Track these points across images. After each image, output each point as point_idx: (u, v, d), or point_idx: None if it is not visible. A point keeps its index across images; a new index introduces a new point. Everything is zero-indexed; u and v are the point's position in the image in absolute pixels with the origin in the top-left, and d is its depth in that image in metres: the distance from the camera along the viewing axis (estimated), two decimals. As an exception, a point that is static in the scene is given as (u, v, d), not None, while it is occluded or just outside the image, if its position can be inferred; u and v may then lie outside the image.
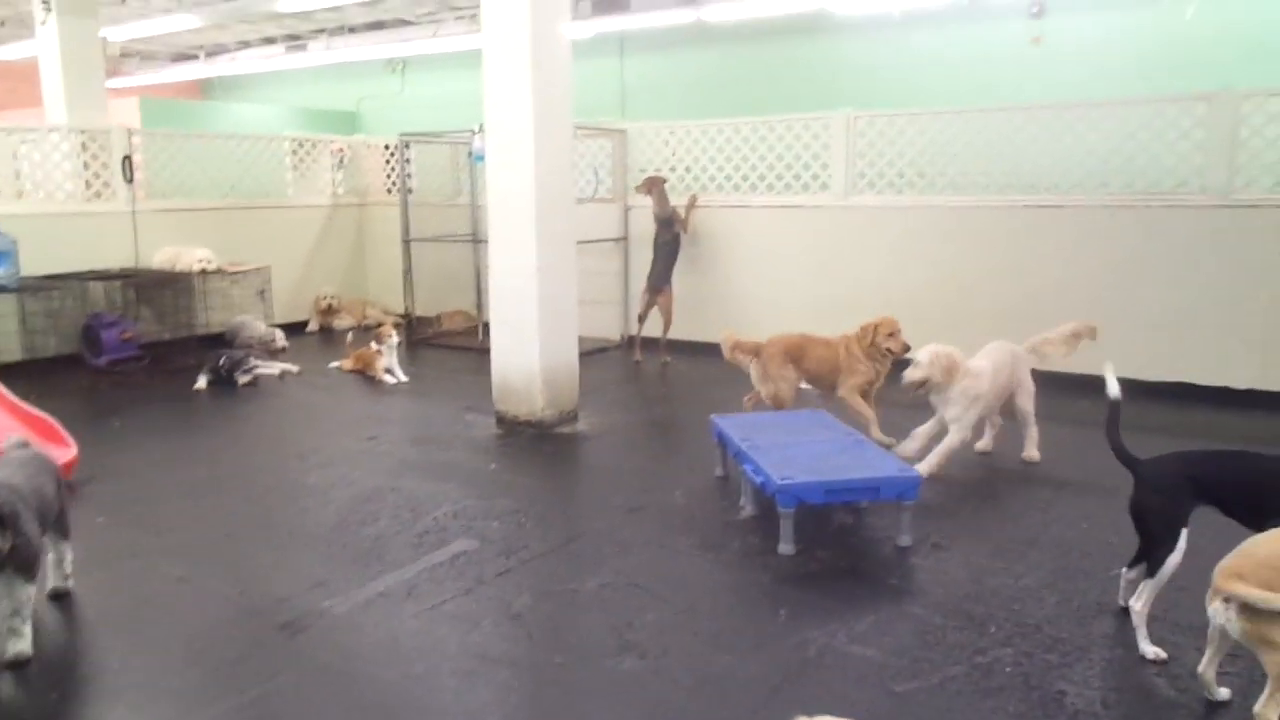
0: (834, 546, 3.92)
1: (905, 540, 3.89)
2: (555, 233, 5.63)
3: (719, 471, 4.82)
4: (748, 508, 4.30)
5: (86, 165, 7.95)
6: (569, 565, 3.80)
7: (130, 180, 8.11)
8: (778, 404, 5.33)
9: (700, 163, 8.15)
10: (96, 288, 7.63)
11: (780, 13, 10.41)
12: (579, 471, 5.19)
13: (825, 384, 5.48)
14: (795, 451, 4.15)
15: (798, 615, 3.31)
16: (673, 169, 8.27)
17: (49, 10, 8.58)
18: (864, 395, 5.33)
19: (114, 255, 8.02)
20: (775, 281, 7.72)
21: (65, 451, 4.75)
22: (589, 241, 7.52)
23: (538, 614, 3.37)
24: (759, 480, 3.97)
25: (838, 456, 4.12)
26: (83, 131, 7.99)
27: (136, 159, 8.19)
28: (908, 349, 5.18)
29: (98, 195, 8.03)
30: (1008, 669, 2.93)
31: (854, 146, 7.39)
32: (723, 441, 4.66)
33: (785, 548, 3.82)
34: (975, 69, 10.16)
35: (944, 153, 7.14)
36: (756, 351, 5.47)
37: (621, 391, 6.99)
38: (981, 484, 4.79)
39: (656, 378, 7.36)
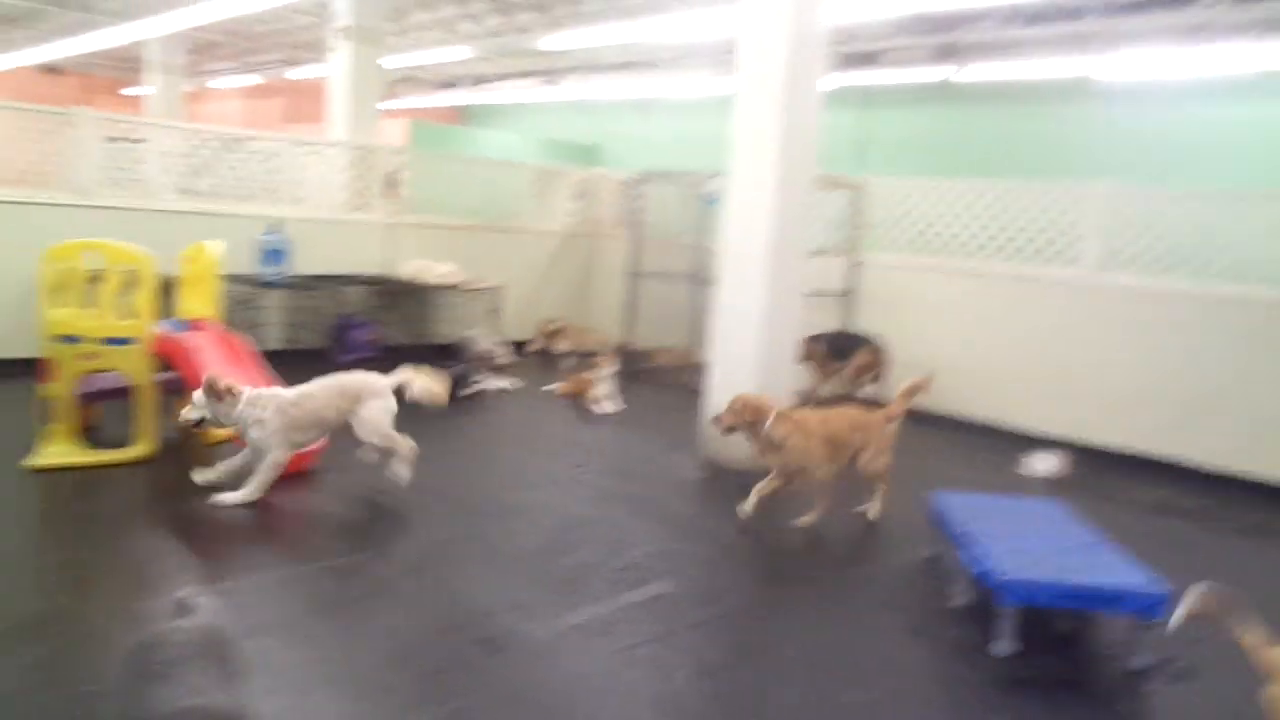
0: (1054, 654, 3.60)
1: (1141, 662, 3.51)
2: (785, 281, 5.56)
3: (929, 551, 4.55)
4: (960, 596, 4.02)
5: (357, 178, 8.67)
6: (769, 626, 3.68)
7: (392, 195, 8.76)
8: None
9: (943, 220, 7.85)
10: (350, 291, 8.27)
11: (1037, 77, 9.94)
12: (783, 528, 5.05)
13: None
14: (1023, 544, 3.84)
15: (1011, 725, 3.04)
16: (913, 224, 8.02)
17: (345, 39, 9.46)
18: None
19: (368, 262, 8.67)
20: (1002, 352, 7.30)
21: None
22: (813, 294, 7.39)
23: (733, 675, 3.27)
24: (978, 570, 3.70)
25: (1072, 555, 3.77)
26: (357, 148, 8.72)
27: (402, 175, 8.83)
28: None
29: (362, 206, 8.73)
30: (1265, 836, 2.55)
31: (1112, 221, 6.88)
32: (940, 521, 4.40)
33: (1001, 647, 3.53)
34: (1258, 148, 9.27)
35: (1215, 238, 6.52)
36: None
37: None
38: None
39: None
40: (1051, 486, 5.78)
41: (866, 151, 12.33)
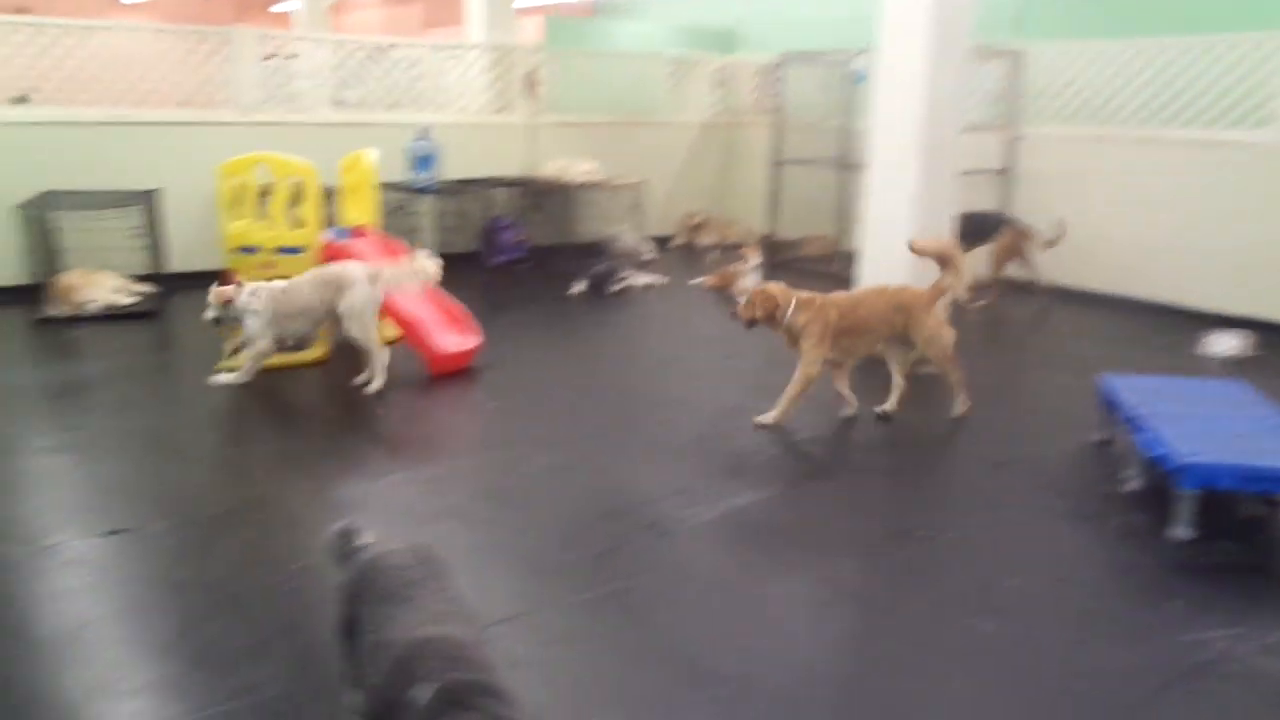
0: (1240, 539, 3.44)
1: (1337, 547, 3.31)
2: (938, 161, 5.33)
3: (1099, 436, 4.38)
4: (1134, 480, 3.87)
5: (497, 80, 8.73)
6: (927, 511, 3.66)
7: (532, 95, 8.79)
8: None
9: (1112, 86, 7.26)
10: (497, 193, 8.44)
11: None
12: (939, 413, 4.96)
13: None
14: (1205, 426, 3.64)
15: (1192, 611, 2.94)
16: (1077, 93, 7.47)
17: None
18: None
19: (513, 164, 8.79)
20: (1184, 227, 6.79)
21: (471, 339, 5.35)
22: (968, 172, 7.05)
23: (893, 556, 3.29)
24: (1156, 453, 3.54)
25: (1258, 437, 3.56)
26: (495, 49, 8.76)
27: (539, 74, 8.83)
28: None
29: (504, 108, 8.81)
30: None
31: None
32: (1111, 404, 4.21)
33: (1180, 532, 3.40)
34: None
35: None
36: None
37: (982, 334, 6.57)
38: None
39: (1022, 322, 6.82)
40: (1233, 367, 5.43)
41: (1025, 15, 11.45)
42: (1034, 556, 3.30)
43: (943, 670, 2.63)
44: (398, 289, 5.01)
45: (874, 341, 4.59)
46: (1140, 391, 4.04)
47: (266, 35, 7.90)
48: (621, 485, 3.85)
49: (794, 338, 4.51)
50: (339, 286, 4.84)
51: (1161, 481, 3.60)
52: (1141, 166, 7.06)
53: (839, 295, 4.70)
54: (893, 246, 5.43)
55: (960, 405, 4.65)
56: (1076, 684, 2.58)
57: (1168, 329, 6.50)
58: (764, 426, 4.43)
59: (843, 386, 4.65)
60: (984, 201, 7.80)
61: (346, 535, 2.30)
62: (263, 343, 4.80)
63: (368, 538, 2.27)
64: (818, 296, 4.55)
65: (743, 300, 4.54)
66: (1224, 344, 5.87)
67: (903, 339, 4.59)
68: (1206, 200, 6.72)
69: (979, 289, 7.13)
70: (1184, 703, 2.47)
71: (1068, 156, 7.53)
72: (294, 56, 8.20)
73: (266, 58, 7.87)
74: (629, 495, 3.75)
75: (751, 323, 4.53)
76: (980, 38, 5.78)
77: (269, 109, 7.65)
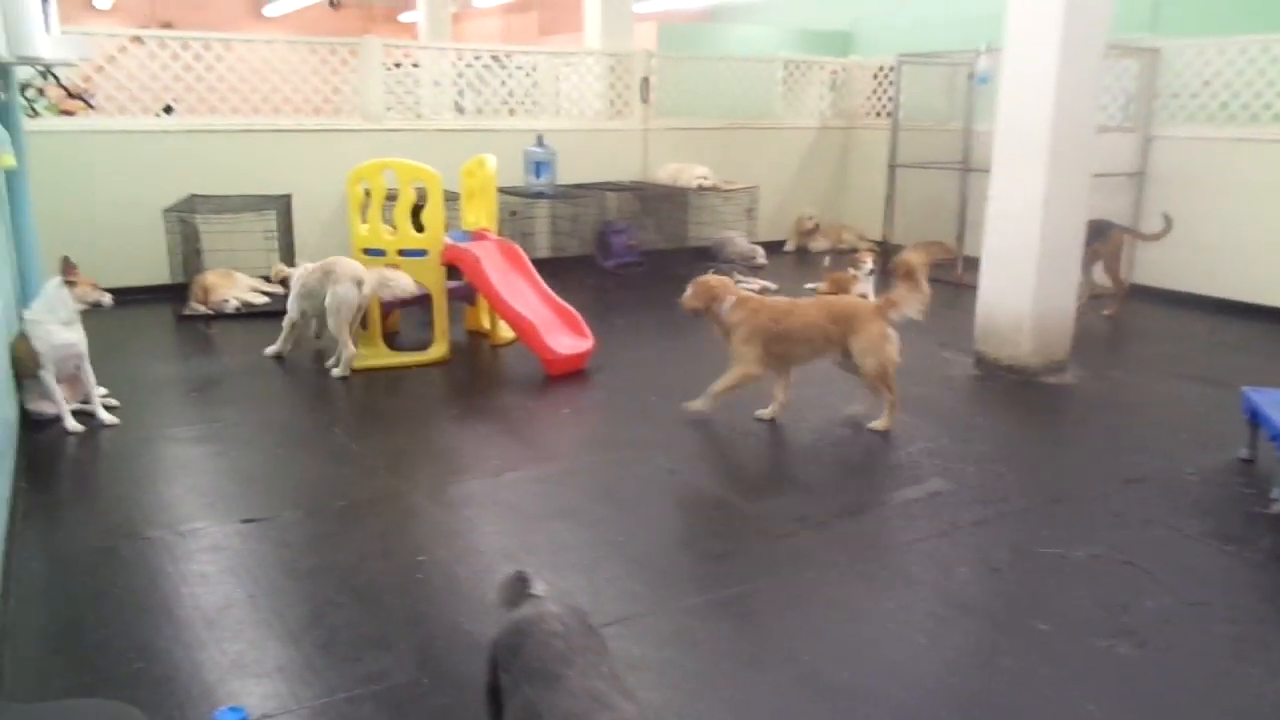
0: (1404, 569, 3.19)
1: None
2: (1069, 163, 5.12)
3: (1244, 453, 4.13)
4: (1282, 502, 3.64)
5: (611, 86, 8.82)
6: (1053, 527, 3.52)
7: (646, 100, 8.85)
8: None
9: (1254, 87, 6.86)
10: (610, 197, 8.52)
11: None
12: (1066, 427, 4.77)
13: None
14: (1363, 446, 3.40)
15: (1349, 642, 2.75)
16: (1216, 94, 7.09)
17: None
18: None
19: (625, 169, 8.87)
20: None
21: (584, 341, 5.41)
22: (1099, 175, 6.77)
23: (1018, 573, 3.18)
24: (1308, 473, 3.32)
25: None
26: (611, 55, 8.85)
27: (652, 80, 8.89)
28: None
29: (618, 114, 8.89)
30: None
31: None
32: (1257, 419, 3.97)
33: (1335, 558, 3.19)
34: None
35: None
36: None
37: (1116, 344, 6.29)
38: None
39: (1154, 333, 6.49)
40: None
41: (1160, 10, 10.93)
42: (1173, 578, 3.13)
43: (1072, 692, 2.52)
44: (387, 292, 5.36)
45: (810, 351, 4.54)
46: (1290, 407, 3.79)
47: (392, 45, 8.17)
48: (733, 491, 3.83)
49: (726, 333, 4.55)
50: (330, 278, 5.18)
51: (1314, 503, 3.38)
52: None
53: (778, 300, 4.75)
54: (1018, 252, 5.26)
55: (883, 423, 4.47)
56: (1219, 714, 2.43)
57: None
58: (695, 412, 4.54)
59: (778, 390, 4.62)
60: (1119, 205, 7.47)
61: (519, 582, 2.10)
62: (290, 314, 5.46)
63: (539, 588, 2.05)
64: (754, 298, 4.64)
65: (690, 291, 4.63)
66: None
67: (845, 350, 4.50)
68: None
69: (1101, 296, 6.84)
70: (1342, 741, 2.31)
71: (1204, 159, 7.14)
72: (417, 65, 8.47)
73: (393, 66, 8.15)
74: (741, 501, 3.73)
75: (694, 312, 4.61)
76: (1115, 35, 5.54)
77: (394, 116, 7.92)
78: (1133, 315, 6.89)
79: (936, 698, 2.50)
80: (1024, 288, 5.25)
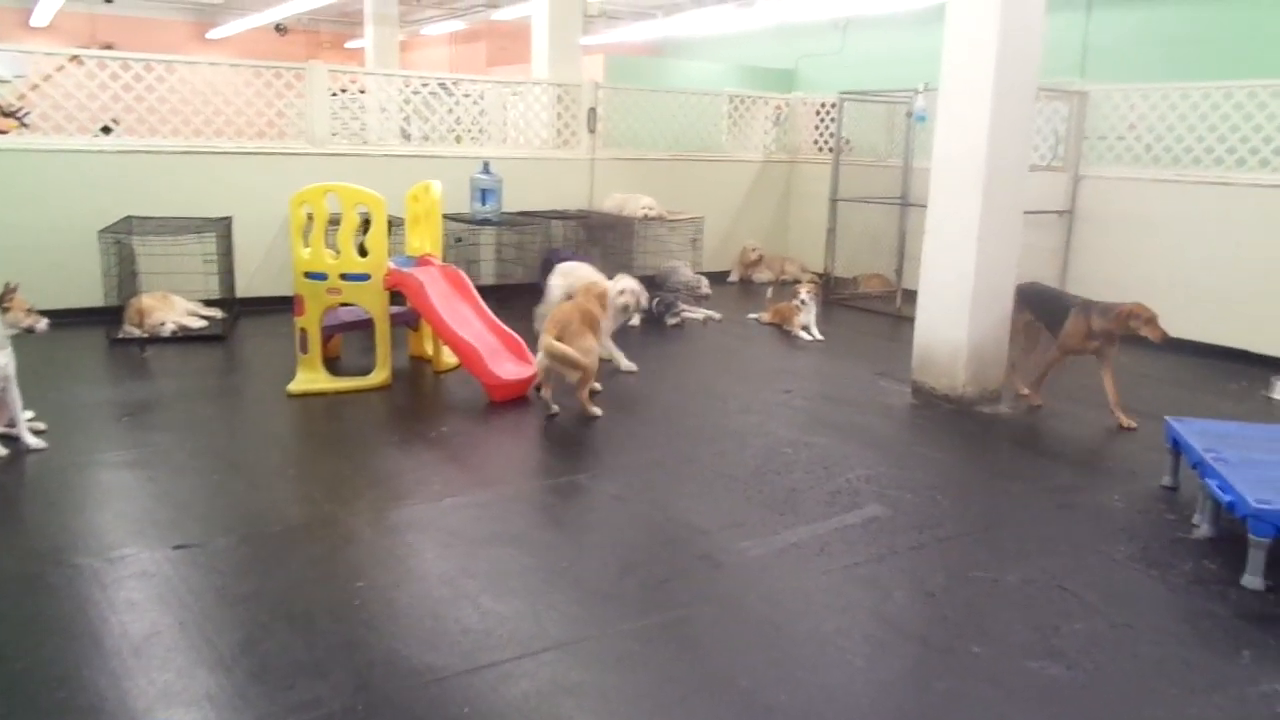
0: (1316, 591, 3.32)
1: None
2: (1002, 201, 5.29)
3: (1167, 481, 4.28)
4: (1203, 527, 3.77)
5: (559, 116, 8.89)
6: (988, 552, 3.60)
7: (593, 131, 8.93)
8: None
9: (1175, 131, 7.17)
10: (556, 226, 8.55)
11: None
12: (999, 455, 4.89)
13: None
14: (1276, 471, 3.55)
15: (1264, 661, 2.85)
16: (1139, 139, 7.39)
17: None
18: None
19: (572, 197, 8.92)
20: (1251, 272, 6.63)
21: (528, 368, 5.41)
22: (1031, 212, 6.99)
23: (953, 597, 3.24)
24: (1226, 499, 3.45)
25: (1335, 487, 3.45)
26: (559, 85, 8.93)
27: (599, 111, 8.98)
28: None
29: (565, 143, 8.96)
30: None
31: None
32: (1178, 448, 4.12)
33: (1252, 581, 3.30)
34: None
35: None
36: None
37: (1049, 376, 6.45)
38: None
39: (1085, 364, 6.69)
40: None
41: (1089, 58, 11.39)
42: (1101, 602, 3.22)
43: (1004, 713, 2.57)
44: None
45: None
46: (1208, 436, 3.94)
47: (338, 70, 8.15)
48: (678, 516, 3.85)
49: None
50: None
51: (1232, 528, 3.51)
52: (1210, 209, 6.92)
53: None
54: (954, 286, 5.40)
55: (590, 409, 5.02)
56: (1144, 733, 2.51)
57: (1237, 374, 6.35)
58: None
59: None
60: (1050, 242, 7.71)
61: None
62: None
63: None
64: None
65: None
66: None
67: None
68: (1275, 245, 6.56)
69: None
70: (1258, 757, 2.39)
71: (1129, 198, 7.42)
72: (364, 91, 8.45)
73: (340, 91, 8.12)
74: (685, 526, 3.75)
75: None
76: (1045, 78, 5.76)
77: (339, 141, 7.88)
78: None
79: (872, 719, 2.53)
80: (960, 320, 5.39)
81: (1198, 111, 7.04)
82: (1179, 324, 6.97)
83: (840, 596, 3.19)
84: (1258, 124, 6.71)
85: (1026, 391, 5.58)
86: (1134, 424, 5.10)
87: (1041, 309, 5.52)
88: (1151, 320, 5.00)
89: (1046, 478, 4.44)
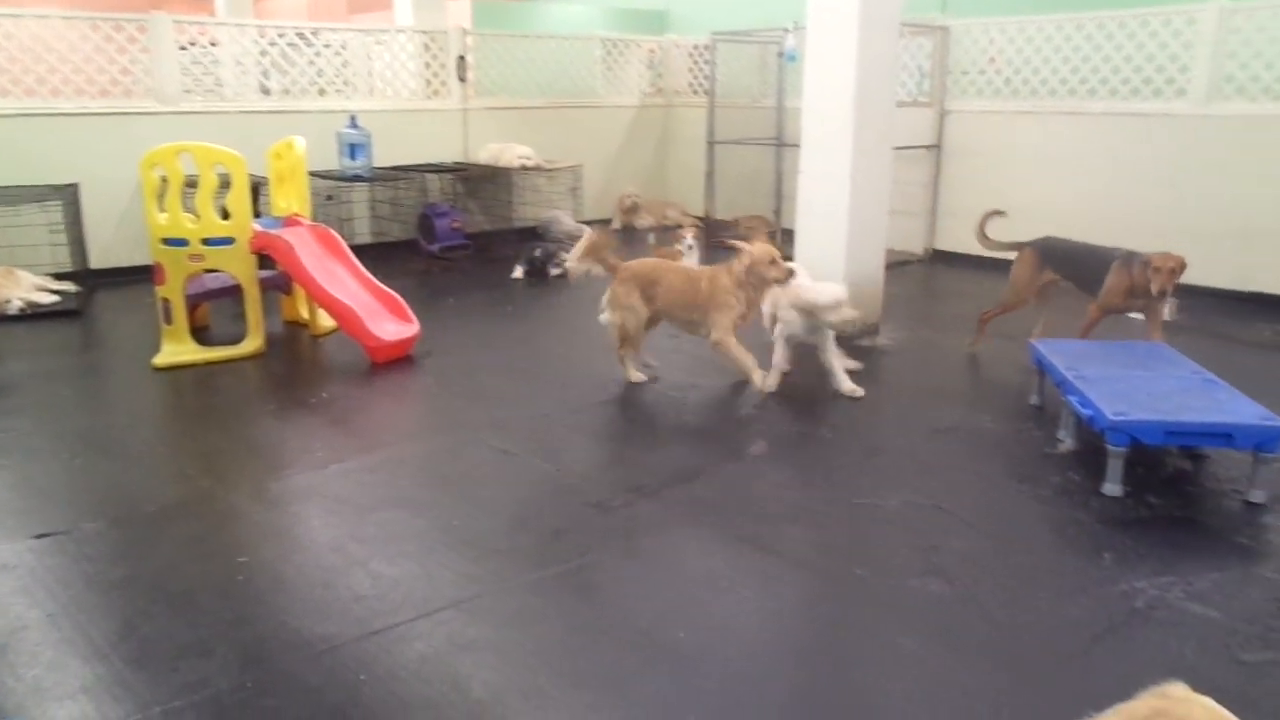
0: (1167, 493, 3.56)
1: (1258, 496, 3.45)
2: (872, 138, 5.39)
3: (1034, 400, 4.50)
4: (1067, 441, 3.99)
5: (427, 65, 8.60)
6: (871, 479, 3.73)
7: (463, 79, 8.68)
8: (621, 336, 4.74)
9: (1032, 64, 7.43)
10: (432, 180, 8.33)
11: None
12: (879, 386, 5.04)
13: (681, 322, 4.79)
14: (1130, 386, 3.77)
15: (1124, 562, 3.05)
16: (999, 72, 7.63)
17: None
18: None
19: (446, 150, 8.68)
20: (1106, 196, 6.98)
21: (409, 327, 5.28)
22: (900, 148, 7.16)
23: (839, 524, 3.35)
24: (1086, 414, 3.65)
25: (1182, 395, 3.68)
26: (425, 33, 8.63)
27: (469, 59, 8.72)
28: (792, 274, 4.62)
29: (435, 94, 8.69)
30: (1390, 657, 2.54)
31: (1225, 45, 6.42)
32: (1042, 368, 4.33)
33: (1111, 488, 3.52)
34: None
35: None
36: (614, 269, 4.75)
37: (924, 308, 6.69)
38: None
39: (958, 295, 6.96)
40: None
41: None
42: (977, 519, 3.38)
43: (891, 631, 2.68)
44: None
45: None
46: (1068, 355, 4.15)
47: (185, 21, 7.66)
48: (569, 466, 3.84)
49: None
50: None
51: (1093, 440, 3.72)
52: (1064, 138, 7.23)
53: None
54: (829, 222, 5.50)
55: None
56: (1019, 638, 2.65)
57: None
58: None
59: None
60: (919, 175, 7.92)
61: None
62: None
63: None
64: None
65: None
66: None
67: None
68: (1127, 168, 6.91)
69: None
70: (1119, 649, 2.56)
71: (994, 131, 7.68)
72: (215, 44, 7.98)
73: (189, 45, 7.65)
74: (575, 476, 3.75)
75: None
76: (908, 14, 5.86)
77: (192, 98, 7.44)
78: (937, 279, 7.36)
79: (765, 647, 2.61)
80: (837, 256, 5.50)
81: (1052, 44, 7.31)
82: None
83: (731, 533, 3.25)
84: (1106, 54, 7.01)
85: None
86: None
87: (1069, 266, 5.02)
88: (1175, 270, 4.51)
89: (924, 404, 4.61)
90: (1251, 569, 3.01)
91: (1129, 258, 4.64)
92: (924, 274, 7.61)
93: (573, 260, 4.81)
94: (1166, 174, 6.73)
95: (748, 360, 4.61)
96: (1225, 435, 3.45)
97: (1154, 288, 4.48)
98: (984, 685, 2.44)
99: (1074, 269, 4.98)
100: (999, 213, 5.35)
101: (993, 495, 3.60)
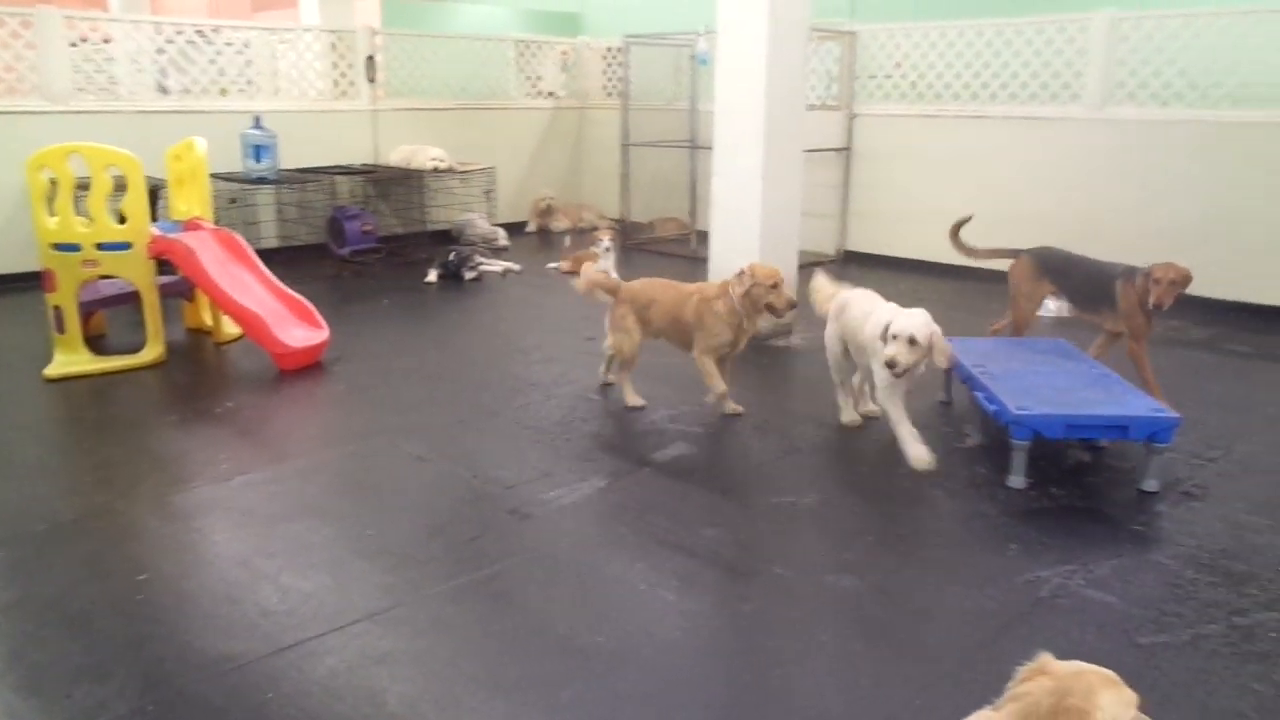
0: (1068, 485, 3.69)
1: (1152, 485, 3.60)
2: (783, 141, 5.47)
3: (943, 396, 4.62)
4: (974, 436, 4.11)
5: (334, 65, 8.41)
6: (786, 477, 3.77)
7: (372, 80, 8.52)
8: (619, 357, 4.62)
9: (936, 69, 7.65)
10: (342, 182, 8.15)
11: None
12: (794, 385, 5.12)
13: (675, 342, 4.63)
14: (1033, 381, 3.90)
15: (1029, 552, 3.15)
16: (904, 76, 7.83)
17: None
18: (720, 360, 4.47)
19: (355, 151, 8.50)
20: (1009, 196, 7.22)
21: (319, 333, 5.15)
22: (811, 151, 7.28)
23: (757, 523, 3.38)
24: (991, 409, 3.76)
25: (1081, 390, 3.83)
26: (332, 32, 8.43)
27: (378, 59, 8.56)
28: (794, 305, 4.51)
29: (344, 94, 8.50)
30: (1273, 634, 2.67)
31: (1115, 53, 6.70)
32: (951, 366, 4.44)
33: (1016, 481, 3.63)
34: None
35: (1223, 61, 6.35)
36: (614, 291, 4.61)
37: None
38: (1241, 433, 4.33)
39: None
40: (1059, 327, 5.83)
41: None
42: (888, 514, 3.45)
43: (806, 627, 2.71)
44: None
45: None
46: (974, 353, 4.28)
47: (74, 16, 7.33)
48: (484, 472, 3.79)
49: None
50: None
51: (999, 435, 3.83)
52: (969, 141, 7.46)
53: None
54: (742, 224, 5.56)
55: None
56: (929, 629, 2.71)
57: (999, 294, 6.90)
58: None
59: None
60: (829, 178, 8.07)
61: None
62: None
63: None
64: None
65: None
66: (1049, 305, 6.28)
67: None
68: (1028, 169, 7.16)
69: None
70: (1024, 637, 2.63)
71: (900, 134, 7.87)
72: (108, 41, 7.67)
73: (80, 41, 7.32)
74: (492, 481, 3.70)
75: None
76: (817, 19, 5.97)
77: (84, 97, 7.13)
78: (849, 279, 7.46)
79: (684, 647, 2.61)
80: (750, 257, 5.52)
81: (955, 49, 7.53)
82: (947, 251, 7.51)
83: (650, 535, 3.25)
84: (1005, 60, 7.25)
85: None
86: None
87: (1067, 280, 4.71)
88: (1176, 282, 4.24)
89: (833, 402, 4.68)
90: (1146, 555, 3.14)
91: (1129, 273, 4.37)
92: (836, 274, 7.70)
93: (581, 285, 4.65)
94: (1065, 175, 6.99)
95: (718, 380, 4.43)
96: (1121, 428, 3.59)
97: (1151, 300, 4.20)
98: (898, 676, 2.49)
99: (1069, 282, 4.71)
100: (967, 219, 5.19)
101: (903, 490, 3.68)
